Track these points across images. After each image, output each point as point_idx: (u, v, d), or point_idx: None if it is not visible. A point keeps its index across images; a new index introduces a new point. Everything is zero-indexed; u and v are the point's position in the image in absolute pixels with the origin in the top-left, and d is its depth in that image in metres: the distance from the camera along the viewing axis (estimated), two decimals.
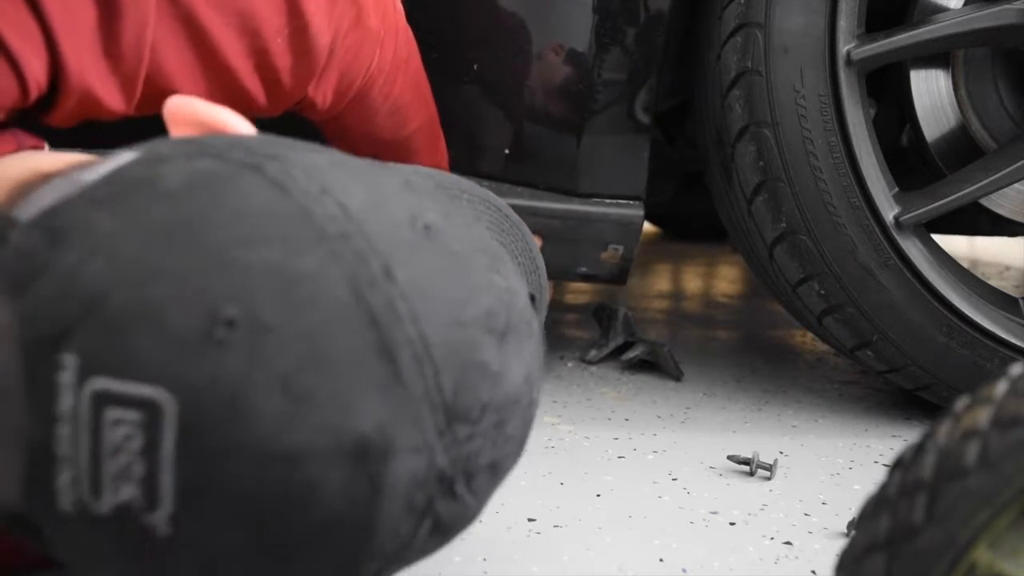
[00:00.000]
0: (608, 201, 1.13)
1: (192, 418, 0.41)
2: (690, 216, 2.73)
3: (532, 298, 0.55)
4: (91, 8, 0.65)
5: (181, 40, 0.72)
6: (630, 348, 1.35)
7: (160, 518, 0.42)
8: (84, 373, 0.41)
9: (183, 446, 0.41)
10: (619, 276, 1.18)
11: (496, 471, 0.50)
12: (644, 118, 1.11)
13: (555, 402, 1.19)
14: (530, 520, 0.84)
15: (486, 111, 1.10)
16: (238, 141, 0.49)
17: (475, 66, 1.08)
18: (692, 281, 2.31)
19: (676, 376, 1.32)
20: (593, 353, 1.39)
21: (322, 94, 0.84)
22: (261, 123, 0.61)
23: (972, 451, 0.39)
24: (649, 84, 1.09)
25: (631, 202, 1.13)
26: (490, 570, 0.74)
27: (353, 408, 0.42)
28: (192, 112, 0.55)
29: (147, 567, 0.44)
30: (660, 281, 2.27)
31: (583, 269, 1.17)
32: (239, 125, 0.54)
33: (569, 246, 1.14)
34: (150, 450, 0.41)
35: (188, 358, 0.41)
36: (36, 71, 0.63)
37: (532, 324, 0.52)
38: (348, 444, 0.42)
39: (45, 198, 0.47)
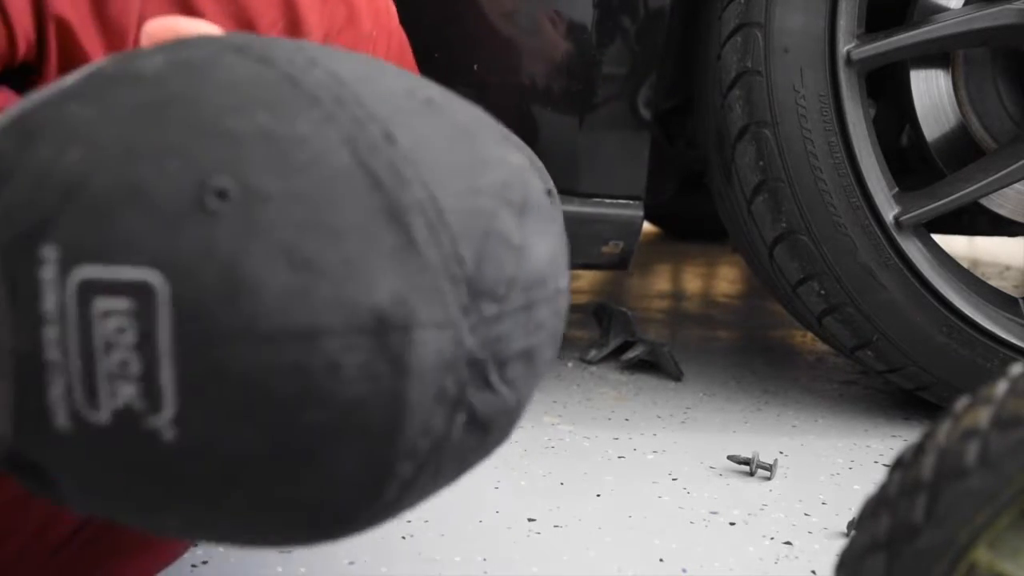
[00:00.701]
0: (608, 201, 1.13)
1: (188, 299, 0.37)
2: (690, 216, 2.73)
3: (549, 193, 0.52)
4: None
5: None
6: (630, 348, 1.35)
7: (164, 420, 0.38)
8: (67, 264, 0.38)
9: (181, 333, 0.37)
10: (621, 264, 1.19)
11: (531, 361, 0.46)
12: (644, 118, 1.11)
13: (555, 402, 1.19)
14: (530, 520, 0.84)
15: (486, 111, 1.10)
16: (218, 35, 0.46)
17: (475, 66, 1.08)
18: (692, 281, 2.31)
19: (676, 376, 1.32)
20: (593, 353, 1.39)
21: None
22: None
23: (972, 451, 0.39)
24: (649, 83, 1.09)
25: (631, 202, 1.13)
26: (490, 570, 0.74)
27: (366, 277, 0.39)
28: (174, 30, 0.51)
29: (158, 481, 0.40)
30: (660, 281, 2.27)
31: (584, 260, 1.17)
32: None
33: (569, 241, 1.14)
34: (145, 341, 0.37)
35: (178, 233, 0.38)
36: (24, 22, 0.61)
37: (553, 209, 0.49)
38: (365, 317, 0.38)
39: (19, 106, 0.43)
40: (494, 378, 0.44)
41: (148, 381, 0.38)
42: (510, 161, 0.46)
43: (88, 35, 0.67)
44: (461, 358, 0.41)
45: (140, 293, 0.38)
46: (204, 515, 0.42)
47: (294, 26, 0.77)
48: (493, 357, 0.43)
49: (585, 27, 1.07)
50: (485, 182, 0.43)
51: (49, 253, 0.38)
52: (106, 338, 0.38)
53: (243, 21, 0.74)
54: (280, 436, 0.39)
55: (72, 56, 0.67)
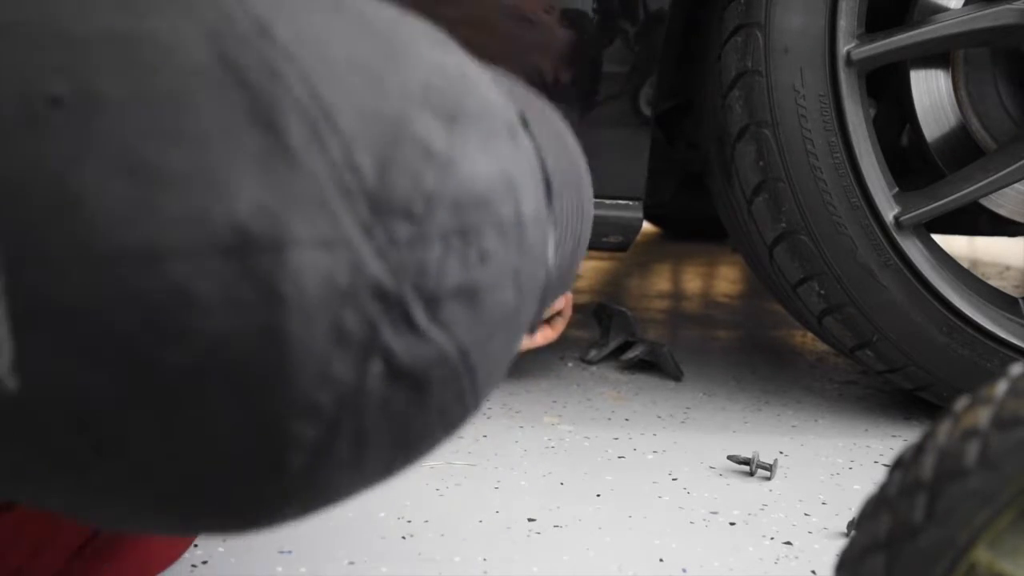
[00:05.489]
0: (608, 203, 1.13)
1: (15, 221, 0.33)
2: (690, 216, 2.73)
3: (524, 122, 0.45)
4: None
5: None
6: (630, 348, 1.35)
7: (3, 368, 0.34)
8: None
9: (8, 258, 0.33)
10: (621, 247, 1.19)
11: (476, 301, 0.39)
12: (644, 118, 1.11)
13: (555, 402, 1.19)
14: (530, 520, 0.84)
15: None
16: None
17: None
18: (692, 281, 2.31)
19: (676, 376, 1.32)
20: (593, 353, 1.39)
21: None
22: None
23: (972, 451, 0.39)
24: (648, 84, 1.09)
25: (631, 202, 1.14)
26: (490, 570, 0.74)
27: (221, 188, 0.33)
28: None
29: (13, 441, 0.35)
30: (660, 281, 2.27)
31: None
32: None
33: None
34: None
35: (3, 147, 0.33)
36: None
37: (515, 129, 0.42)
38: (220, 235, 0.33)
39: None
40: (420, 318, 0.37)
41: None
42: (443, 63, 0.40)
43: None
44: (363, 288, 0.35)
45: None
46: (78, 488, 0.36)
47: None
48: (416, 291, 0.36)
49: (586, 27, 1.07)
50: (396, 81, 0.37)
51: None
52: None
53: None
54: (134, 380, 0.34)
55: None
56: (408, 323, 0.36)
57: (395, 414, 0.38)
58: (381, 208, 0.35)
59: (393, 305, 0.36)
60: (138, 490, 0.36)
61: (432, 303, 0.37)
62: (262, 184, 0.34)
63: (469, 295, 0.38)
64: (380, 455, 0.39)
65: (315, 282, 0.34)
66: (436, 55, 0.40)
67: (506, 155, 0.40)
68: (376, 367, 0.36)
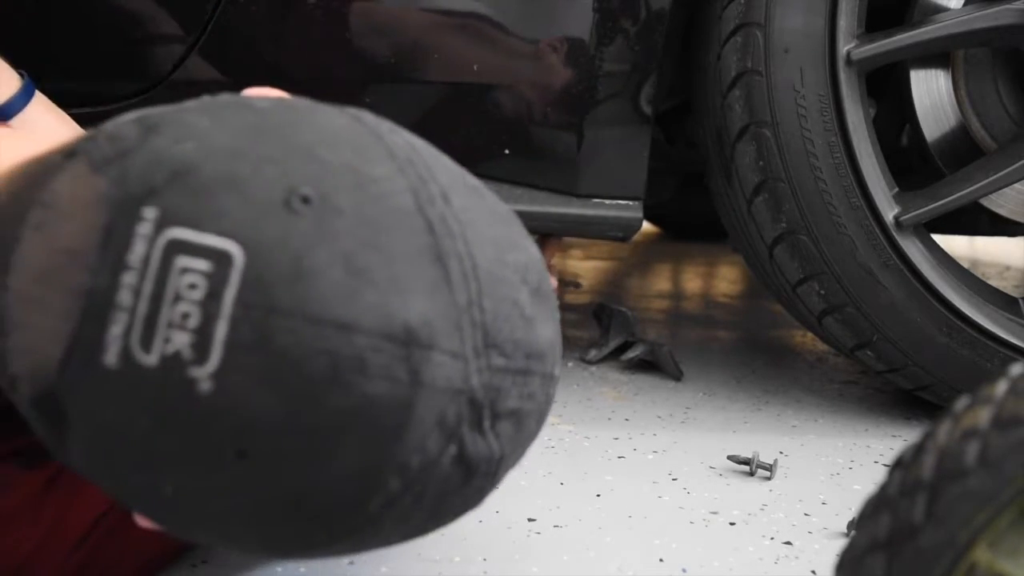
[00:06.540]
0: (608, 202, 1.13)
1: (258, 274, 0.43)
2: (690, 216, 2.73)
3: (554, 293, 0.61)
4: None
5: None
6: (630, 348, 1.35)
7: (205, 372, 0.43)
8: (162, 224, 0.44)
9: (244, 299, 0.43)
10: (622, 238, 1.18)
11: (519, 424, 0.51)
12: (644, 119, 1.11)
13: (555, 402, 1.19)
14: (530, 520, 0.84)
15: (486, 111, 1.10)
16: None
17: (475, 66, 1.08)
18: (692, 281, 2.31)
19: (676, 376, 1.32)
20: (593, 353, 1.39)
21: None
22: None
23: (972, 451, 0.39)
24: (649, 83, 1.09)
25: (631, 202, 1.13)
26: (490, 570, 0.74)
27: (405, 295, 0.45)
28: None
29: (178, 430, 0.44)
30: (660, 281, 2.27)
31: (586, 236, 1.18)
32: None
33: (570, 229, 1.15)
34: (211, 299, 0.43)
35: (263, 220, 0.44)
36: None
37: (556, 307, 0.55)
38: (396, 327, 0.45)
39: (140, 111, 0.51)
40: (486, 424, 0.49)
41: (202, 334, 0.43)
42: (531, 251, 0.54)
43: None
44: (465, 392, 0.47)
45: (219, 259, 0.44)
46: (200, 483, 0.46)
47: None
48: (490, 405, 0.49)
49: (585, 28, 1.07)
50: (511, 259, 0.51)
51: (149, 213, 0.45)
52: (177, 290, 0.44)
53: None
54: (301, 410, 0.44)
55: None
56: (479, 425, 0.48)
57: (445, 489, 0.49)
58: (488, 341, 0.48)
59: (476, 410, 0.48)
60: (247, 496, 0.46)
61: (496, 417, 0.49)
62: (430, 302, 0.46)
63: (516, 418, 0.51)
64: (420, 517, 0.50)
65: (442, 378, 0.46)
66: (529, 245, 0.54)
67: (554, 328, 0.54)
68: (452, 450, 0.48)
